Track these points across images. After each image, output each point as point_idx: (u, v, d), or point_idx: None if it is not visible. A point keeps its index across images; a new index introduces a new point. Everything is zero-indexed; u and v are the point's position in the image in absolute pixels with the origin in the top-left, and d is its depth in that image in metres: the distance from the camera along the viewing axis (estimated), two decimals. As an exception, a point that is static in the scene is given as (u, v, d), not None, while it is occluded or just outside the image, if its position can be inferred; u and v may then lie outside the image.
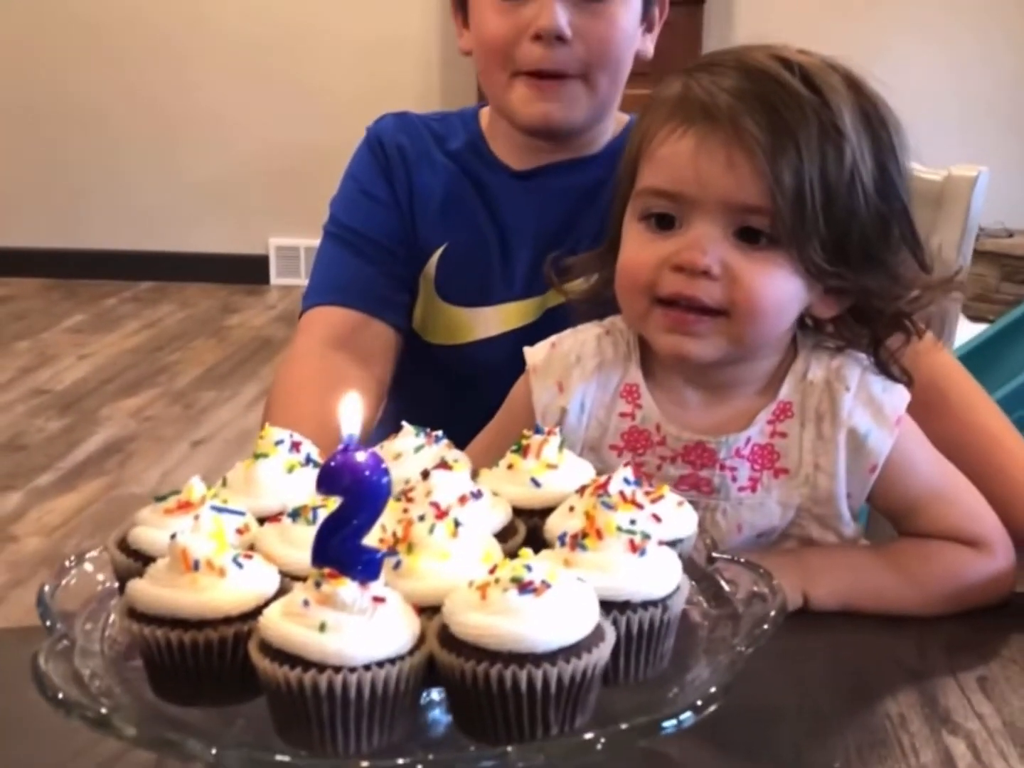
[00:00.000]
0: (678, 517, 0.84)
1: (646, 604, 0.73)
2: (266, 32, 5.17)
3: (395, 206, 1.46)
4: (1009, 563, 1.09)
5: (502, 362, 1.23)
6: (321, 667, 0.65)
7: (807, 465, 1.07)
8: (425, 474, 0.83)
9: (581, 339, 1.14)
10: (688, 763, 0.86)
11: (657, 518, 0.80)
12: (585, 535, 0.75)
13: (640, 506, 0.80)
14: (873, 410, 1.07)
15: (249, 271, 5.32)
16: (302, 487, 0.84)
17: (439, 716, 0.75)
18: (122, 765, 0.86)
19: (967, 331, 3.09)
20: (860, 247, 1.02)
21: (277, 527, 0.79)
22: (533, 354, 1.15)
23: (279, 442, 0.88)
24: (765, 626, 0.76)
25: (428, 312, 1.47)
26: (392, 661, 0.66)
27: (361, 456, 0.67)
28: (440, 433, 0.92)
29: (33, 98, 5.30)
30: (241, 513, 0.80)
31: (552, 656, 0.66)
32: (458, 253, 1.45)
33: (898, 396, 1.08)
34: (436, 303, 1.47)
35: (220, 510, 0.79)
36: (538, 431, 0.90)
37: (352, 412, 0.70)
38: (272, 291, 5.29)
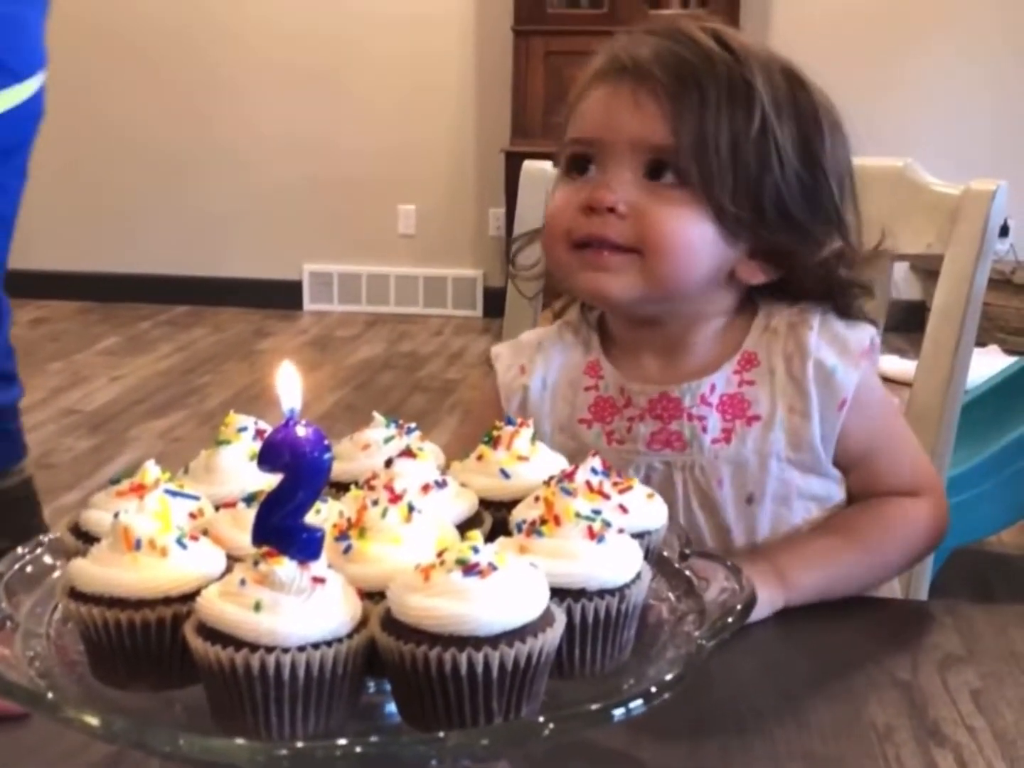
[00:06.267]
0: (647, 509, 0.81)
1: (602, 592, 0.70)
2: (304, 61, 5.21)
3: None
4: (943, 502, 1.12)
5: None
6: (254, 647, 0.63)
7: (781, 408, 1.08)
8: (388, 462, 0.81)
9: (542, 330, 1.21)
10: (660, 763, 0.83)
11: (624, 509, 0.78)
12: (543, 521, 0.73)
13: (607, 496, 0.78)
14: (839, 347, 1.08)
15: (283, 296, 5.35)
16: (264, 475, 0.82)
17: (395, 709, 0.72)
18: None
19: (1001, 363, 3.05)
20: (777, 207, 1.04)
21: (231, 512, 0.77)
22: (497, 347, 1.21)
23: (242, 429, 0.86)
24: (729, 619, 0.72)
25: None
26: (329, 643, 0.64)
27: (302, 431, 0.65)
28: (413, 425, 0.90)
29: (73, 122, 5.36)
30: (195, 497, 0.79)
31: (495, 640, 0.63)
32: None
33: (861, 331, 1.09)
34: None
35: (174, 494, 0.77)
36: (509, 422, 0.88)
37: (292, 386, 0.68)
38: (305, 316, 5.31)
